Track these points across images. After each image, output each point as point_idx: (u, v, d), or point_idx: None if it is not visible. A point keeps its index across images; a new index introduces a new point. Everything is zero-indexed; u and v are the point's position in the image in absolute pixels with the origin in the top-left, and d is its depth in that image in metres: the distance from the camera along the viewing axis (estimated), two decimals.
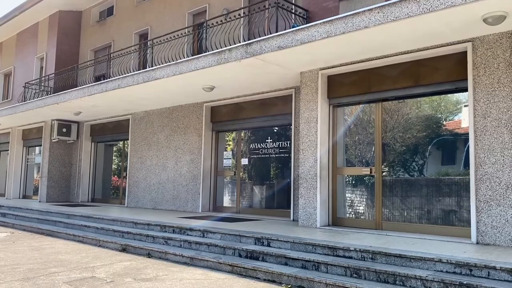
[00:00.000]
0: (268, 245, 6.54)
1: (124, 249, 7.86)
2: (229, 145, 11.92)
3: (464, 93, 6.86)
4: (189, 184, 11.74)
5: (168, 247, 7.38)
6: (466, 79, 6.53)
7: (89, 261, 6.92)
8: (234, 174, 11.16)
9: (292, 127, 9.61)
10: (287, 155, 10.18)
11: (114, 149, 16.29)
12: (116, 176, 15.56)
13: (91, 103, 12.37)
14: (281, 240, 6.41)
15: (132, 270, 6.24)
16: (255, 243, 6.73)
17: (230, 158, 11.44)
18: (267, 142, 10.58)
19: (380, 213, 7.58)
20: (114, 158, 16.31)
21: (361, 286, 4.79)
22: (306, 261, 5.68)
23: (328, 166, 8.21)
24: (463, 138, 7.05)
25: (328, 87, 8.29)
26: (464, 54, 6.62)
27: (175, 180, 12.15)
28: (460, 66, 6.68)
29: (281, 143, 10.30)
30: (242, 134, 11.28)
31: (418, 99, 7.54)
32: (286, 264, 5.88)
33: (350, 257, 5.61)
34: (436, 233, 6.83)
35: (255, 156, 10.84)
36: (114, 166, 16.10)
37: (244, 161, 11.04)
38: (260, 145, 10.70)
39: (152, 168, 12.94)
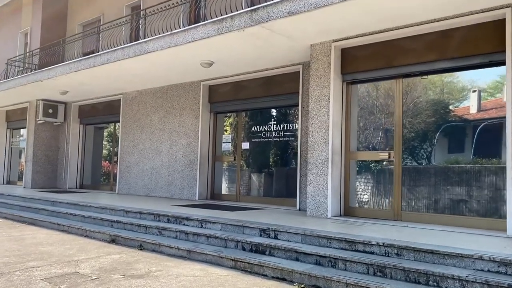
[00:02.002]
0: (276, 238, 5.95)
1: (113, 240, 7.27)
2: (228, 128, 11.28)
3: (500, 67, 6.21)
4: (185, 170, 11.13)
5: (162, 238, 6.79)
6: (503, 51, 5.88)
7: (74, 253, 6.32)
8: (234, 160, 10.55)
9: (299, 107, 8.97)
10: (293, 138, 9.56)
11: (105, 132, 15.62)
12: (107, 161, 14.91)
13: (78, 80, 11.68)
14: (291, 232, 5.81)
15: (121, 264, 5.64)
16: (261, 235, 6.14)
17: (229, 142, 10.81)
18: (271, 124, 9.95)
19: (399, 202, 6.99)
20: (104, 142, 15.66)
21: (388, 287, 4.20)
22: (321, 256, 5.09)
23: (340, 150, 7.60)
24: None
25: (342, 61, 7.65)
26: (501, 22, 5.97)
27: (170, 166, 11.54)
28: (496, 36, 6.03)
29: (287, 126, 9.67)
30: (243, 116, 10.63)
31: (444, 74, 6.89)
32: (297, 259, 5.29)
33: (372, 253, 5.02)
34: (464, 225, 6.26)
35: (257, 140, 10.21)
36: (105, 151, 15.46)
37: (245, 145, 10.42)
38: (262, 127, 10.08)
39: (145, 153, 12.30)
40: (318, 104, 7.63)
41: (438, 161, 6.97)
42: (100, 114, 14.47)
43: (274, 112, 10.18)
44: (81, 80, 11.63)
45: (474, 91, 6.42)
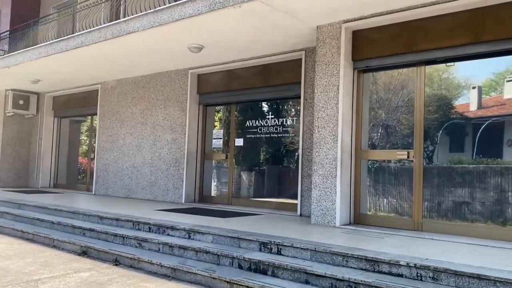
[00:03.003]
0: (279, 253, 5.10)
1: (85, 253, 6.37)
2: (219, 122, 10.40)
3: None
4: (170, 169, 10.22)
5: (142, 252, 5.90)
6: None
7: (35, 270, 5.42)
8: (226, 158, 9.67)
9: (301, 99, 8.12)
10: (293, 134, 8.71)
11: (84, 126, 14.61)
12: (86, 158, 13.92)
13: (50, 67, 10.69)
14: (297, 247, 4.97)
15: (91, 286, 4.74)
16: (261, 250, 5.28)
17: (220, 138, 9.93)
18: (268, 118, 9.09)
19: (420, 209, 6.18)
20: (84, 137, 14.66)
21: None
22: (338, 279, 4.25)
23: (350, 149, 6.77)
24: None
25: (353, 46, 6.82)
26: None
27: (153, 164, 10.61)
28: None
29: (286, 120, 8.83)
30: (236, 109, 9.75)
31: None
32: (307, 282, 4.45)
33: (400, 275, 4.20)
34: (501, 237, 5.47)
35: (252, 136, 9.35)
36: (84, 147, 14.46)
37: (239, 141, 9.54)
38: (258, 122, 9.22)
39: (125, 149, 11.36)
40: (325, 95, 6.79)
41: (469, 161, 6.18)
42: (76, 106, 13.49)
43: (272, 104, 9.32)
44: (54, 67, 10.65)
45: (474, 88, 6.08)
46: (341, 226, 6.48)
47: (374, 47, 6.66)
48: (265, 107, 9.47)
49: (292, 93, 8.52)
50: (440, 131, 6.42)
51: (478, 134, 6.18)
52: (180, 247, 5.69)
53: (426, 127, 6.32)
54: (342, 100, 6.63)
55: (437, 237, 5.65)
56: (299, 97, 8.28)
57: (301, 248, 4.93)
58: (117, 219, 7.20)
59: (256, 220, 7.15)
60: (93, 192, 12.15)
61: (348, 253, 4.58)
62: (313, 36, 7.39)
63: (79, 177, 14.40)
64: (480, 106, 6.07)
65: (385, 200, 6.85)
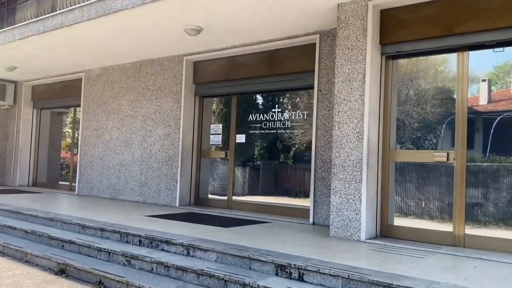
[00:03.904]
0: (301, 279, 4.24)
1: (62, 271, 5.47)
2: (218, 115, 9.49)
3: None
4: (162, 168, 9.30)
5: (131, 273, 5.01)
6: None
7: None
8: (226, 156, 8.77)
9: (315, 90, 7.25)
10: (303, 130, 7.84)
11: (66, 118, 13.61)
12: (69, 152, 12.93)
13: (27, 52, 9.71)
14: (325, 273, 4.10)
15: None
16: (277, 274, 4.41)
17: (220, 134, 9.02)
18: (274, 112, 8.21)
19: (462, 222, 5.35)
20: (68, 129, 13.66)
21: None
22: None
23: (377, 149, 5.91)
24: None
25: (381, 27, 5.96)
26: None
27: (143, 162, 9.68)
28: None
29: (296, 114, 7.96)
30: (237, 101, 8.82)
31: None
32: None
33: None
34: None
35: (256, 132, 8.48)
36: (68, 140, 13.46)
37: (240, 138, 8.65)
38: (263, 116, 8.34)
39: (112, 145, 10.41)
40: (348, 85, 5.91)
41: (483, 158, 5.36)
42: (58, 96, 12.51)
43: (279, 96, 8.43)
44: (31, 51, 9.66)
45: (484, 81, 5.59)
46: (367, 240, 5.63)
47: (406, 29, 5.79)
48: (271, 99, 8.57)
49: (303, 83, 7.64)
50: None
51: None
52: (178, 268, 4.80)
53: (445, 122, 5.48)
54: (369, 91, 5.76)
55: (487, 256, 4.82)
56: (312, 88, 7.41)
57: (330, 275, 4.06)
58: (102, 229, 6.29)
59: (265, 231, 6.28)
60: (76, 192, 11.20)
61: (392, 284, 3.71)
62: (330, 17, 6.53)
63: (62, 172, 13.42)
64: (489, 100, 5.62)
65: (415, 208, 6.00)
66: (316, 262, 4.35)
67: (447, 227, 5.53)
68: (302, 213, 7.48)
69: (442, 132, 5.84)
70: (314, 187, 7.13)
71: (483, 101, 5.75)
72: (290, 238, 5.75)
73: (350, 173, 5.82)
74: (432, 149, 5.89)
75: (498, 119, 5.63)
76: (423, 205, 5.94)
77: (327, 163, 7.01)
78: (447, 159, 5.46)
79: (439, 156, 5.52)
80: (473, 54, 5.44)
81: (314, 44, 7.35)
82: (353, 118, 5.85)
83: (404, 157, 5.95)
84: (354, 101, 5.86)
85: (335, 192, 5.93)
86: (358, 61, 5.87)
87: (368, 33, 5.80)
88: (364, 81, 5.80)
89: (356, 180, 5.76)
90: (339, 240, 5.71)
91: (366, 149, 5.71)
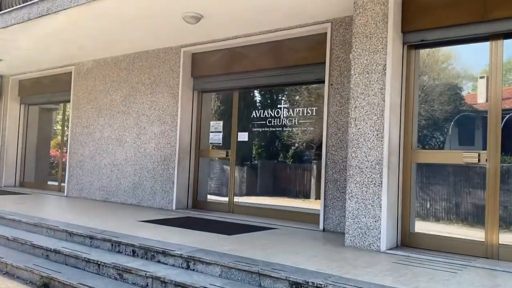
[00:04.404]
0: None
1: (46, 286, 4.93)
2: (219, 112, 8.95)
3: None
4: (157, 168, 8.74)
5: None
6: None
7: None
8: (226, 156, 8.23)
9: (326, 84, 6.72)
10: (312, 128, 7.31)
11: (58, 114, 12.99)
12: (59, 151, 12.32)
13: (11, 43, 9.13)
14: None
15: None
16: None
17: (220, 132, 8.48)
18: (280, 108, 7.69)
19: (495, 230, 4.83)
20: (59, 126, 13.01)
21: None
22: None
23: (398, 148, 5.38)
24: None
25: (404, 13, 5.43)
26: None
27: (137, 162, 9.12)
28: None
29: (304, 110, 7.42)
30: (240, 97, 8.28)
31: None
32: None
33: None
34: None
35: (260, 130, 7.95)
36: (59, 138, 12.83)
37: (242, 136, 8.12)
38: (268, 113, 7.82)
39: (103, 143, 9.83)
40: (366, 77, 5.37)
41: None
42: (46, 92, 11.92)
43: (285, 91, 7.89)
44: (16, 42, 9.07)
45: (482, 77, 5.24)
46: (388, 250, 5.10)
47: (431, 15, 5.26)
48: (276, 94, 8.04)
49: (312, 76, 7.11)
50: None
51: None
52: (177, 284, 4.25)
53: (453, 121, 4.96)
54: (390, 84, 5.22)
55: None
56: (322, 82, 6.89)
57: None
58: (91, 237, 5.74)
59: (272, 239, 5.74)
60: (65, 194, 10.63)
61: None
62: (343, 3, 6.02)
63: (53, 171, 12.82)
64: (488, 98, 5.11)
65: (439, 215, 5.48)
66: (337, 279, 3.82)
67: (477, 236, 5.01)
68: (310, 218, 6.96)
69: (474, 131, 5.32)
70: (325, 190, 6.60)
71: (480, 99, 5.29)
72: (301, 248, 5.21)
73: (368, 176, 5.29)
74: (457, 149, 5.36)
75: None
76: (448, 211, 5.41)
77: (339, 164, 6.48)
78: (479, 160, 4.94)
79: (469, 157, 5.00)
80: (509, 43, 4.91)
81: (325, 33, 6.82)
82: (372, 114, 5.32)
83: (429, 158, 5.42)
84: (373, 95, 5.33)
85: (351, 196, 5.40)
86: (378, 50, 5.34)
87: (389, 19, 5.27)
88: (385, 73, 5.26)
89: (375, 183, 5.23)
90: (356, 250, 5.18)
91: (386, 149, 5.18)
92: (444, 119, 5.57)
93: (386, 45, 5.28)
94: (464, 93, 5.55)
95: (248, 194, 8.19)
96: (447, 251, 5.06)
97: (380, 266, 4.46)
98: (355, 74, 5.49)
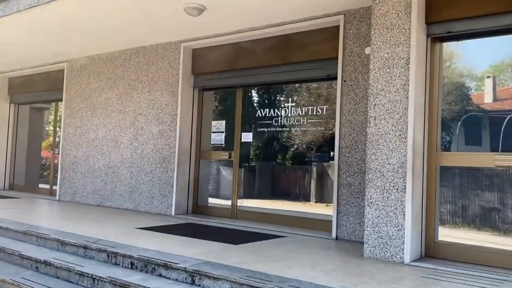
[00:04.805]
0: None
1: None
2: (221, 111, 8.53)
3: None
4: (156, 171, 8.30)
5: None
6: None
7: None
8: (229, 157, 7.80)
9: (338, 81, 6.32)
10: (322, 128, 6.91)
11: (50, 114, 12.51)
12: (52, 152, 11.87)
13: (0, 38, 8.63)
14: None
15: None
16: None
17: (222, 132, 8.05)
18: (287, 107, 7.28)
19: None
20: (48, 128, 12.55)
21: None
22: None
23: (423, 150, 4.97)
24: None
25: (428, 2, 5.03)
26: None
27: (133, 164, 8.67)
28: None
29: (314, 109, 7.01)
30: (244, 95, 7.86)
31: None
32: None
33: None
34: None
35: (265, 130, 7.53)
36: (52, 139, 12.35)
37: (246, 136, 7.70)
38: (274, 112, 7.42)
39: (98, 144, 9.38)
40: (387, 72, 4.96)
41: None
42: (37, 90, 11.45)
43: (293, 88, 7.48)
44: (6, 37, 8.60)
45: (488, 77, 5.14)
46: (412, 263, 4.69)
47: (459, 4, 4.86)
48: (283, 91, 7.63)
49: (323, 72, 6.70)
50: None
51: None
52: None
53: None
54: (414, 80, 4.82)
55: None
56: (334, 78, 6.49)
57: None
58: (85, 247, 5.29)
59: (283, 250, 5.31)
60: (57, 198, 10.16)
61: None
62: None
63: (45, 173, 12.34)
64: (495, 98, 5.07)
65: (464, 220, 5.07)
66: None
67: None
68: (321, 224, 6.55)
69: (502, 132, 4.92)
70: (338, 195, 6.19)
71: (487, 99, 5.15)
72: (317, 260, 4.79)
73: (390, 180, 4.87)
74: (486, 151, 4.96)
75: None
76: (474, 218, 5.00)
77: (353, 166, 6.07)
78: None
79: (503, 160, 4.58)
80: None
81: (337, 26, 6.41)
82: (394, 113, 4.90)
83: (456, 160, 5.01)
84: (395, 92, 4.91)
85: (371, 203, 4.98)
86: (400, 43, 4.92)
87: (413, 8, 4.86)
88: (408, 67, 4.85)
89: (397, 189, 4.81)
90: (377, 262, 4.76)
91: (411, 151, 4.77)
92: (458, 119, 5.17)
93: (410, 37, 4.87)
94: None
95: (253, 198, 7.75)
96: (478, 263, 4.65)
97: (408, 281, 4.05)
98: (374, 69, 5.08)
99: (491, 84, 5.12)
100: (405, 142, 4.81)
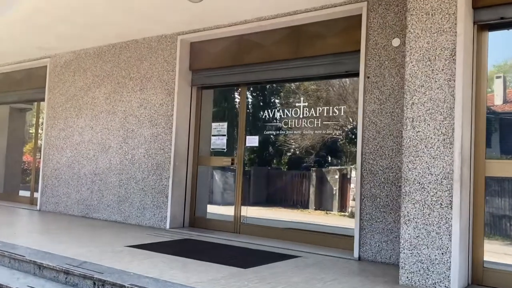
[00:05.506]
0: None
1: None
2: (222, 111, 7.81)
3: None
4: (148, 179, 7.54)
5: None
6: None
7: None
8: (232, 164, 7.08)
9: (360, 77, 5.63)
10: (340, 131, 6.18)
11: (30, 115, 11.70)
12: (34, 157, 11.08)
13: None
14: None
15: None
16: None
17: (224, 135, 7.33)
18: (299, 107, 6.58)
19: None
20: (31, 131, 11.73)
21: None
22: None
23: (470, 158, 4.28)
24: None
25: None
26: None
27: (123, 171, 7.90)
28: None
29: (329, 109, 6.31)
30: (249, 93, 7.14)
31: None
32: None
33: None
34: None
35: (273, 133, 6.85)
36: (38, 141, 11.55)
37: (251, 140, 7.01)
38: (284, 113, 6.69)
39: (83, 148, 8.61)
40: (428, 65, 4.27)
41: None
42: (17, 89, 10.71)
43: (305, 86, 6.77)
44: None
45: (498, 77, 4.78)
46: None
47: None
48: (294, 90, 6.92)
49: (342, 68, 6.02)
50: None
51: None
52: None
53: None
54: (462, 75, 4.11)
55: None
56: (355, 75, 5.80)
57: None
58: (66, 272, 4.52)
59: (303, 276, 4.59)
60: (38, 207, 9.37)
61: None
62: None
63: (27, 179, 11.52)
64: (505, 100, 4.67)
65: (508, 237, 4.39)
66: None
67: None
68: (341, 243, 5.85)
69: None
70: (360, 209, 5.47)
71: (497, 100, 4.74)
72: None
73: (432, 193, 4.16)
74: None
75: None
76: None
77: (379, 175, 5.37)
78: None
79: None
80: None
81: (359, 15, 5.73)
82: (436, 113, 4.21)
83: (507, 170, 4.30)
84: (438, 88, 4.22)
85: (408, 220, 4.27)
86: (444, 31, 4.23)
87: None
88: (453, 59, 4.16)
89: (441, 204, 4.11)
90: None
91: (458, 159, 4.07)
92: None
93: (456, 24, 4.18)
94: None
95: (258, 210, 7.04)
96: None
97: None
98: (411, 62, 4.38)
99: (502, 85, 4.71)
100: (450, 148, 4.11)
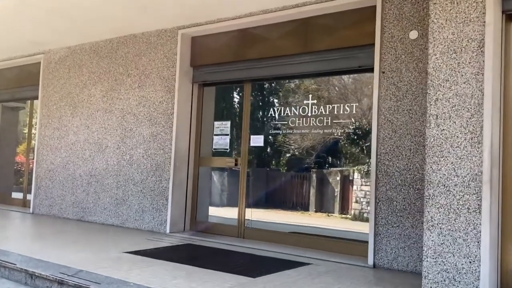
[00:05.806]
0: None
1: None
2: (225, 109, 7.51)
3: None
4: (147, 180, 7.23)
5: None
6: None
7: None
8: (236, 164, 6.78)
9: (375, 72, 5.34)
10: (351, 129, 5.90)
11: (23, 114, 11.40)
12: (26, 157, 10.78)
13: None
14: None
15: None
16: None
17: (227, 135, 7.03)
18: (307, 104, 6.28)
19: None
20: (25, 131, 11.42)
21: None
22: None
23: (498, 158, 3.98)
24: None
25: None
26: None
27: (120, 172, 7.59)
28: None
29: (340, 107, 6.02)
30: (254, 90, 6.84)
31: None
32: None
33: None
34: None
35: (279, 133, 6.57)
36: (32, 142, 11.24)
37: (256, 140, 6.71)
38: (291, 111, 6.41)
39: (79, 148, 8.29)
40: (453, 58, 3.98)
41: None
42: (9, 87, 10.41)
43: (315, 82, 6.48)
44: None
45: None
46: None
47: None
48: (302, 86, 6.63)
49: (354, 63, 5.73)
50: None
51: None
52: None
53: None
54: (492, 68, 3.82)
55: None
56: (369, 70, 5.50)
57: None
58: (61, 282, 4.21)
59: (317, 285, 4.26)
60: (31, 210, 9.05)
61: None
62: None
63: (20, 179, 11.21)
64: None
65: None
66: None
67: None
68: (353, 249, 5.56)
69: None
70: (375, 213, 5.17)
71: None
72: None
73: (458, 197, 3.87)
74: None
75: None
76: None
77: (395, 177, 5.07)
78: None
79: None
80: None
81: (373, 6, 5.43)
82: (463, 110, 3.91)
83: None
84: (464, 83, 3.92)
85: (432, 226, 3.97)
86: (470, 20, 3.93)
87: None
88: (482, 51, 3.86)
89: (469, 209, 3.81)
90: None
91: (488, 159, 3.77)
92: None
93: (484, 13, 3.88)
94: None
95: (263, 213, 6.74)
96: None
97: None
98: (435, 54, 4.08)
99: None
100: (478, 148, 3.82)
